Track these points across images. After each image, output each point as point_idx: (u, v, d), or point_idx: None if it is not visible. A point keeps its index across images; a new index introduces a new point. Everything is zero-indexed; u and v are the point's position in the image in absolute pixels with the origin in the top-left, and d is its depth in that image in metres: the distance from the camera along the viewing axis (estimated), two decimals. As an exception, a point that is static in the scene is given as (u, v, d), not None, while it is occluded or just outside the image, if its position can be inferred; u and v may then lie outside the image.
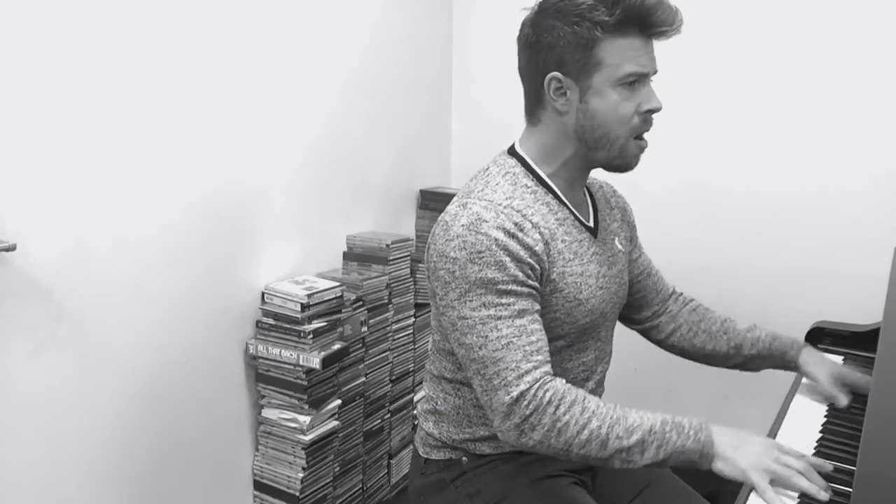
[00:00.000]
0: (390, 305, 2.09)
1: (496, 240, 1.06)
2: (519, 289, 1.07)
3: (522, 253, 1.07)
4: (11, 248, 1.24)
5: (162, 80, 1.51)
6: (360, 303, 1.95)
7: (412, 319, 2.21)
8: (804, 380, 1.39)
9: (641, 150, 1.16)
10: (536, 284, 1.10)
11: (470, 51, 2.51)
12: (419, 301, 2.23)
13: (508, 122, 2.27)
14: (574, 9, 1.07)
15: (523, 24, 1.16)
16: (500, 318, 1.05)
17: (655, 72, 1.13)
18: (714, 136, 2.18)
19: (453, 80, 2.56)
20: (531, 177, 1.16)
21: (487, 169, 1.19)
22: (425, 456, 1.28)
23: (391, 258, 2.06)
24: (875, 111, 1.98)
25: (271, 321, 1.78)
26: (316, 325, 1.76)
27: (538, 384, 1.04)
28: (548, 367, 1.07)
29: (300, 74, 1.88)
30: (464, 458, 1.23)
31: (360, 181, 2.15)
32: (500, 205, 1.10)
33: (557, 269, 1.13)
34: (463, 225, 1.08)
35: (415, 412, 2.28)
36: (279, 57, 1.80)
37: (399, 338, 2.16)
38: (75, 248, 1.39)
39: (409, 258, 2.15)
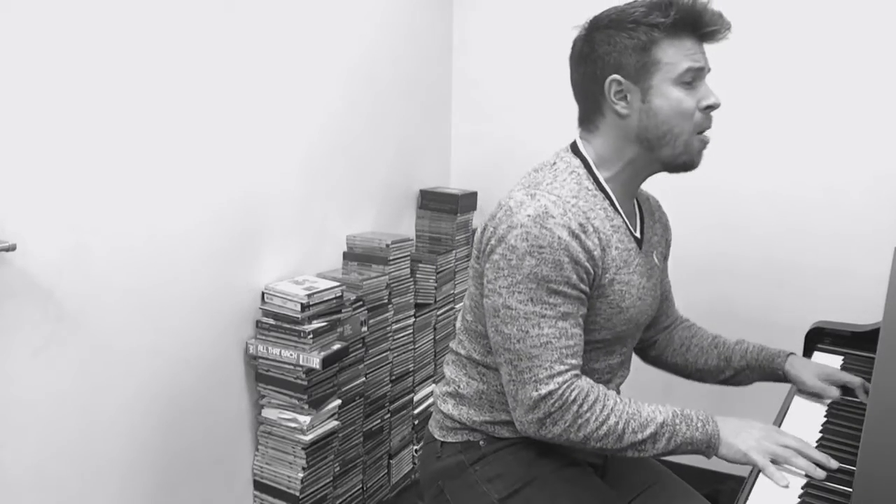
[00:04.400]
0: (390, 305, 2.09)
1: (560, 238, 1.07)
2: (569, 291, 1.09)
3: (581, 256, 1.09)
4: (11, 248, 1.24)
5: (161, 81, 1.51)
6: (360, 303, 1.95)
7: (412, 319, 2.21)
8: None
9: (704, 145, 1.18)
10: (587, 289, 1.12)
11: (470, 51, 2.51)
12: (419, 301, 2.23)
13: (508, 122, 2.28)
14: (629, 17, 1.11)
15: (575, 42, 1.19)
16: (544, 316, 1.07)
17: (710, 69, 1.16)
18: (716, 136, 2.18)
19: (453, 80, 2.56)
20: (592, 180, 1.17)
21: (555, 164, 1.19)
22: (441, 439, 1.28)
23: (391, 258, 2.06)
24: (875, 112, 1.98)
25: (271, 321, 1.78)
26: (316, 325, 1.76)
27: (566, 384, 1.07)
28: (578, 370, 1.10)
29: (300, 74, 1.88)
30: (481, 441, 1.24)
31: (360, 181, 2.15)
32: (567, 202, 1.11)
33: (609, 276, 1.14)
34: (529, 215, 1.08)
35: (416, 409, 2.28)
36: (279, 57, 1.81)
37: (399, 338, 2.16)
38: (75, 248, 1.39)
39: (409, 258, 2.15)
